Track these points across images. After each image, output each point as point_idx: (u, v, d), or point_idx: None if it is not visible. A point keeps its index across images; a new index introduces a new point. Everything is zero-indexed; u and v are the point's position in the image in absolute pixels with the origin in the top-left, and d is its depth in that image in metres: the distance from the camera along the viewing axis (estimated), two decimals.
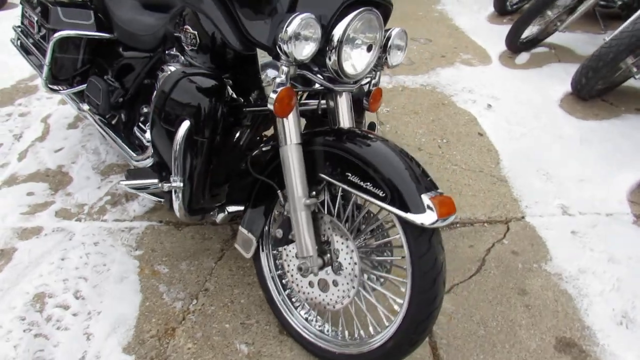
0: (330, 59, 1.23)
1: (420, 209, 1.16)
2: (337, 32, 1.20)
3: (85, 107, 2.05)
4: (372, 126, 1.88)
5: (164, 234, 2.01)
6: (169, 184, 1.40)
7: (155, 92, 1.40)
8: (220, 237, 1.99)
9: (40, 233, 1.99)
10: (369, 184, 1.22)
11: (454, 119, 2.89)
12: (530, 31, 3.67)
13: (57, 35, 1.89)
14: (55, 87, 2.09)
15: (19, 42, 2.30)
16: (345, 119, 1.46)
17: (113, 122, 2.08)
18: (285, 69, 1.21)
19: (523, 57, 3.71)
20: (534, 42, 3.74)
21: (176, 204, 1.44)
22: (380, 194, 1.20)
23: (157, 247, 1.94)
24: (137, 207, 2.13)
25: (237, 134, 1.55)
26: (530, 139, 2.70)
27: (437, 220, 1.14)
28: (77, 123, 2.73)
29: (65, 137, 2.63)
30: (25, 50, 2.25)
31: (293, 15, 1.13)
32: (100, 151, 2.49)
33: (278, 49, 1.16)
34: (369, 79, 1.51)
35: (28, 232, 2.00)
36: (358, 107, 1.59)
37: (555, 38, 3.83)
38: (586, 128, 2.82)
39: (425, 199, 1.16)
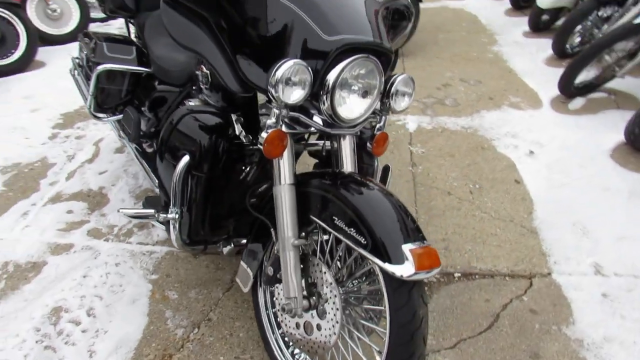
0: (324, 104, 1.25)
1: (399, 259, 1.13)
2: (331, 77, 1.22)
3: (122, 134, 2.19)
4: (386, 169, 1.87)
5: (181, 260, 2.07)
6: (165, 215, 1.46)
7: (164, 125, 1.48)
8: (232, 269, 2.02)
9: (71, 250, 2.12)
10: (353, 229, 1.22)
11: (491, 164, 2.80)
12: (585, 76, 3.51)
13: (100, 67, 2.05)
14: (99, 115, 2.25)
15: (75, 71, 2.51)
16: (347, 162, 1.46)
17: (147, 150, 2.21)
18: (276, 111, 1.25)
19: (577, 102, 3.54)
20: (590, 87, 3.57)
21: (172, 235, 1.49)
22: (362, 241, 1.19)
23: (172, 273, 2.01)
24: (161, 232, 2.22)
25: (245, 170, 1.60)
26: (571, 190, 2.56)
27: (415, 273, 1.11)
28: (123, 148, 2.91)
29: (111, 161, 2.81)
30: (77, 80, 2.45)
31: (283, 61, 1.16)
32: (139, 176, 2.64)
33: (268, 93, 1.20)
34: (373, 123, 1.51)
35: (60, 247, 2.14)
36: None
37: (616, 83, 3.64)
38: (638, 181, 2.63)
39: (406, 249, 1.14)
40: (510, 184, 2.61)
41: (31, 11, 4.63)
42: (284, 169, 1.34)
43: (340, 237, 1.24)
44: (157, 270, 2.02)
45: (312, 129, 1.38)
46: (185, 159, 1.39)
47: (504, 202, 2.46)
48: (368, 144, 1.54)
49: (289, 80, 1.19)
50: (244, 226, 1.67)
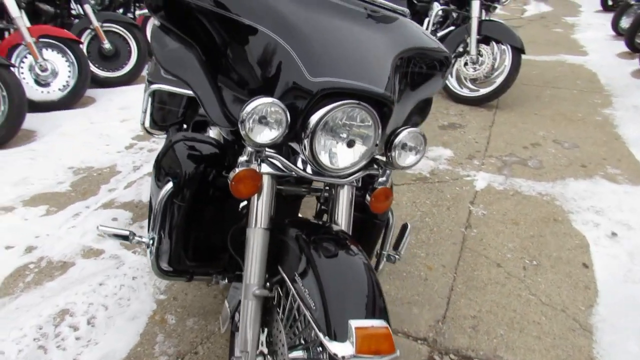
0: (305, 148, 1.16)
1: (341, 335, 0.99)
2: (312, 120, 1.12)
3: None
4: (404, 228, 1.71)
5: (193, 285, 2.05)
6: (139, 239, 1.44)
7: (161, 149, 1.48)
8: None
9: (100, 256, 2.21)
10: (306, 290, 1.09)
11: (559, 240, 2.45)
12: None
13: (152, 87, 2.14)
14: (151, 131, 2.35)
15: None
16: (341, 215, 1.34)
17: None
18: (249, 149, 1.17)
19: None
20: None
21: (148, 260, 1.47)
22: (312, 305, 1.06)
23: (179, 297, 1.99)
24: None
25: (237, 205, 1.54)
26: None
27: (353, 356, 0.95)
28: None
29: None
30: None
31: (255, 98, 1.10)
32: None
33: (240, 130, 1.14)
34: (375, 176, 1.38)
35: (92, 252, 2.23)
36: None
37: None
38: None
39: (353, 325, 0.99)
40: (575, 267, 2.25)
41: (148, 30, 5.11)
42: (259, 211, 1.25)
43: (296, 295, 1.12)
44: (167, 291, 2.02)
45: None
46: (169, 185, 1.37)
47: (561, 287, 2.12)
48: (367, 196, 1.40)
49: (263, 119, 1.12)
50: (234, 261, 1.60)
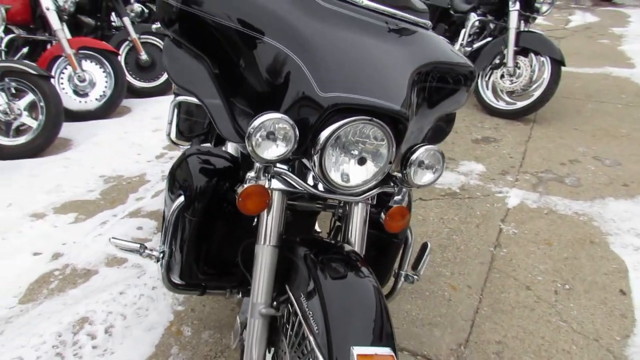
0: (314, 165, 1.12)
1: None
2: (322, 136, 1.09)
3: None
4: (423, 248, 1.65)
5: (211, 297, 2.04)
6: (149, 252, 1.44)
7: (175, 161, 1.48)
8: None
9: (122, 265, 2.23)
10: (311, 313, 1.06)
11: (595, 264, 2.31)
12: None
13: (177, 99, 2.16)
14: (177, 141, 2.37)
15: None
16: (354, 233, 1.30)
17: None
18: (257, 165, 1.15)
19: None
20: None
21: (159, 273, 1.46)
22: (315, 329, 1.02)
23: (197, 308, 1.98)
24: None
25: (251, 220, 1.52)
26: None
27: None
28: None
29: None
30: None
31: (263, 113, 1.07)
32: None
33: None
34: (391, 194, 1.33)
35: (115, 260, 2.26)
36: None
37: None
38: None
39: (355, 352, 0.94)
40: (612, 294, 2.12)
41: None
42: (268, 228, 1.22)
43: (300, 316, 1.09)
44: (185, 302, 2.02)
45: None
46: (181, 198, 1.36)
47: (594, 314, 1.99)
48: (382, 214, 1.35)
49: (271, 135, 1.09)
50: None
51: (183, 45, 1.25)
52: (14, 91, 3.36)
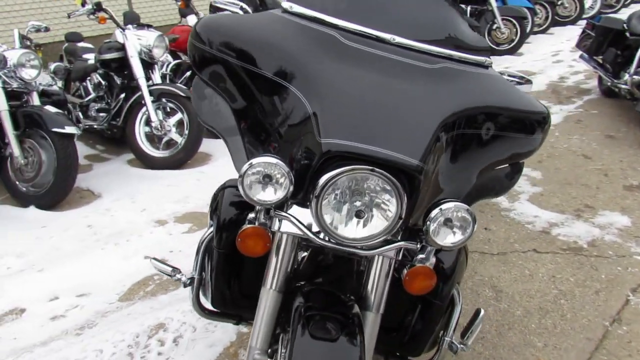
0: (312, 213, 1.07)
1: None
2: (319, 184, 1.03)
3: None
4: (476, 314, 1.45)
5: None
6: (179, 276, 1.49)
7: None
8: None
9: None
10: None
11: None
12: None
13: None
14: None
15: None
16: (373, 289, 1.20)
17: None
18: (257, 207, 1.13)
19: None
20: None
21: (190, 298, 1.51)
22: None
23: None
24: None
25: None
26: None
27: None
28: None
29: None
30: None
31: (258, 155, 1.06)
32: None
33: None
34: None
35: None
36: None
37: None
38: None
39: None
40: None
41: None
42: (274, 272, 1.19)
43: None
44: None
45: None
46: (212, 228, 1.40)
47: None
48: (404, 273, 1.21)
49: (267, 177, 1.07)
50: None
51: (209, 84, 1.30)
52: (168, 110, 3.86)
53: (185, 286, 1.51)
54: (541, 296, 2.18)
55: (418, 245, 1.16)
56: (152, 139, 3.83)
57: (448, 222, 1.10)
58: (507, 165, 1.38)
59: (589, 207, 2.93)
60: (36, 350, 1.97)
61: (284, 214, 1.14)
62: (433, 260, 1.18)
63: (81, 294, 2.31)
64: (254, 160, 1.05)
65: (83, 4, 3.56)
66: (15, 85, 3.17)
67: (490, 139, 1.22)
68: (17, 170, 3.21)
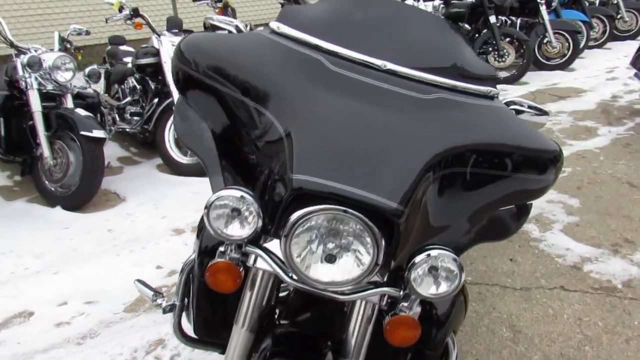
0: (282, 252, 0.99)
1: None
2: (288, 222, 0.95)
3: None
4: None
5: None
6: (160, 301, 1.43)
7: None
8: None
9: None
10: None
11: None
12: None
13: None
14: None
15: None
16: (352, 330, 1.11)
17: None
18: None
19: None
20: None
21: (171, 323, 1.45)
22: None
23: None
24: None
25: None
26: None
27: None
28: None
29: None
30: None
31: (224, 188, 0.99)
32: None
33: None
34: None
35: None
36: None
37: None
38: None
39: None
40: None
41: None
42: (245, 309, 1.12)
43: None
44: None
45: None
46: (194, 255, 1.34)
47: None
48: (385, 323, 1.11)
49: (235, 211, 1.00)
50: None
51: (191, 105, 1.24)
52: None
53: (164, 312, 1.46)
54: (564, 340, 2.00)
55: (401, 293, 1.05)
56: (180, 145, 3.85)
57: (433, 271, 1.00)
58: (513, 206, 1.26)
59: (628, 242, 2.69)
60: (36, 357, 1.98)
61: (255, 249, 1.07)
62: (418, 309, 1.07)
63: (89, 301, 2.32)
64: (222, 192, 0.99)
65: (120, 10, 3.62)
66: (50, 87, 3.25)
67: (490, 179, 1.10)
68: (47, 170, 3.29)
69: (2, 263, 2.69)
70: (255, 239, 1.08)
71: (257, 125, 1.09)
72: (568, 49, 6.60)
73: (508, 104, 1.38)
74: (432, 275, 1.00)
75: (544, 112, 1.42)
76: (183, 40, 1.17)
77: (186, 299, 1.43)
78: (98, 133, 3.12)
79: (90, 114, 3.28)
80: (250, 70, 1.08)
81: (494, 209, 1.16)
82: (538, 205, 3.07)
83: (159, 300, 1.48)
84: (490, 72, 1.17)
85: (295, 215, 0.93)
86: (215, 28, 3.70)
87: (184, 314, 1.46)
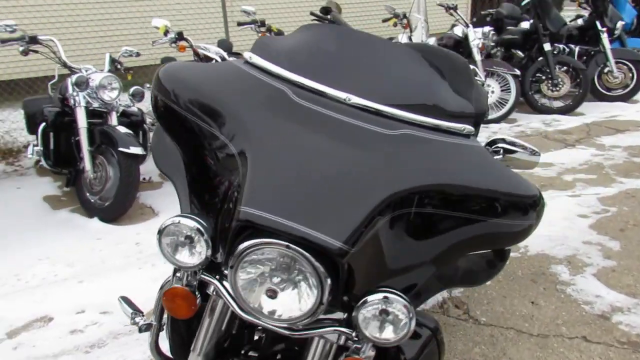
0: (229, 283, 1.00)
1: None
2: (235, 254, 0.96)
3: None
4: None
5: None
6: (138, 320, 1.45)
7: None
8: None
9: None
10: None
11: None
12: None
13: None
14: None
15: None
16: None
17: None
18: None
19: None
20: None
21: (148, 343, 1.47)
22: None
23: None
24: None
25: None
26: None
27: None
28: None
29: None
30: None
31: (175, 215, 1.02)
32: None
33: None
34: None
35: None
36: None
37: None
38: None
39: None
40: None
41: None
42: (203, 336, 1.14)
43: None
44: None
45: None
46: (168, 278, 1.37)
47: None
48: None
49: (188, 239, 1.02)
50: None
51: (166, 132, 1.28)
52: None
53: (140, 331, 1.49)
54: None
55: (354, 333, 1.03)
56: None
57: (384, 314, 0.97)
58: (490, 251, 1.19)
59: None
60: None
61: (208, 278, 1.08)
62: (370, 353, 1.04)
63: (104, 311, 2.41)
64: (174, 219, 1.01)
65: (165, 33, 3.82)
66: (96, 104, 3.46)
67: (457, 221, 1.05)
68: (88, 182, 3.49)
69: (37, 269, 2.86)
70: (217, 267, 1.09)
71: (219, 155, 1.11)
72: (632, 80, 6.23)
73: (496, 141, 1.32)
74: (382, 318, 0.97)
75: (532, 152, 1.35)
76: (162, 69, 1.21)
77: (164, 318, 1.45)
78: (135, 150, 3.28)
79: (131, 132, 3.45)
80: (216, 100, 1.11)
81: (462, 253, 1.11)
82: (572, 246, 2.89)
83: (137, 319, 1.51)
84: (466, 110, 1.13)
85: (241, 247, 0.94)
86: (206, 57, 3.83)
87: (163, 333, 1.48)
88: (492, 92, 5.67)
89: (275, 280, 0.96)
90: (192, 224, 1.00)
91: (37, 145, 3.67)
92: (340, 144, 1.02)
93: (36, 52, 3.45)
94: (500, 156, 1.30)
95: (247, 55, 1.17)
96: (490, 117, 5.77)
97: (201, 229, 1.00)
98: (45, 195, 3.91)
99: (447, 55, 2.43)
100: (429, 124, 1.07)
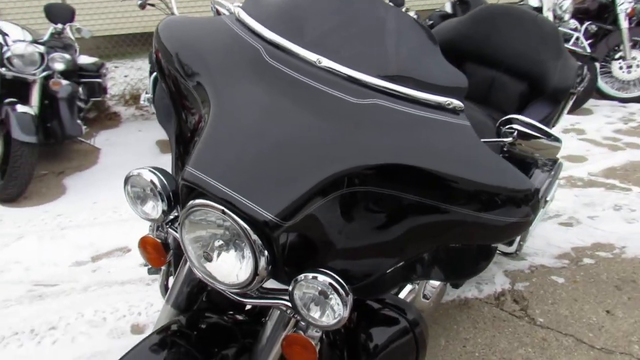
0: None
1: None
2: (181, 213, 0.97)
3: None
4: None
5: None
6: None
7: None
8: None
9: None
10: None
11: None
12: None
13: None
14: None
15: None
16: (267, 336, 1.09)
17: None
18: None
19: None
20: None
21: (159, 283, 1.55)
22: None
23: None
24: None
25: None
26: None
27: None
28: None
29: None
30: None
31: (138, 168, 1.05)
32: None
33: None
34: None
35: None
36: None
37: None
38: None
39: None
40: None
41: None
42: (170, 287, 1.19)
43: None
44: None
45: None
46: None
47: None
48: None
49: (151, 191, 1.04)
50: None
51: (161, 85, 1.28)
52: None
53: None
54: None
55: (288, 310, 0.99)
56: None
57: (322, 295, 0.92)
58: (474, 245, 1.04)
59: None
60: (114, 287, 2.34)
61: (171, 231, 1.10)
62: (315, 334, 1.00)
63: None
64: (136, 171, 1.04)
65: None
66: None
67: (421, 208, 0.93)
68: None
69: None
70: None
71: (194, 113, 1.11)
72: None
73: (511, 121, 1.12)
74: (320, 300, 0.92)
75: (556, 139, 1.12)
76: (161, 23, 1.21)
77: None
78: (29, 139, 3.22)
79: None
80: (199, 58, 1.09)
81: (430, 244, 0.98)
82: None
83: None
84: (458, 83, 0.97)
85: (187, 206, 0.93)
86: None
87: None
88: (638, 65, 4.86)
89: (217, 244, 0.95)
90: (149, 177, 1.01)
91: None
92: (302, 110, 0.95)
93: None
94: (511, 139, 1.10)
95: (236, 10, 1.13)
96: (632, 95, 4.98)
97: (156, 182, 1.01)
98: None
99: (534, 19, 2.12)
100: (405, 95, 0.94)
